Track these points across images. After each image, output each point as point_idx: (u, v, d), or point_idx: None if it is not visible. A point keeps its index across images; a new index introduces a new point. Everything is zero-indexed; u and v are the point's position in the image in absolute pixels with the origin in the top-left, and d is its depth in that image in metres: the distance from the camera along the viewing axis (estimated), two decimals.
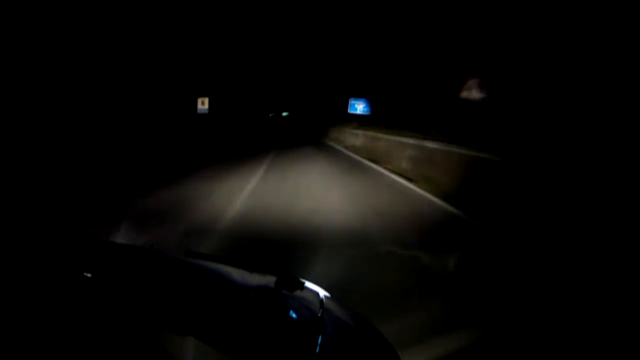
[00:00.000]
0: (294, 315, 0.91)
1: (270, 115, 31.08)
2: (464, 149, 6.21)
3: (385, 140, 10.42)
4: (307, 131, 24.34)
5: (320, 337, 0.80)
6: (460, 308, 2.18)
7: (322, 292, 1.03)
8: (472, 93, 10.84)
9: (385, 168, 8.49)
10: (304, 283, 1.01)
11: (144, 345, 0.74)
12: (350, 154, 11.91)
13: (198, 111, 21.72)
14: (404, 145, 8.64)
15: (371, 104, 19.51)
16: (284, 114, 32.04)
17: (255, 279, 1.03)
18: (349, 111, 19.89)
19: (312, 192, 5.62)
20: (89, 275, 0.92)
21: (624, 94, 6.03)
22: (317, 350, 0.76)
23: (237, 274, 1.05)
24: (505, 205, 4.42)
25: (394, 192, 5.99)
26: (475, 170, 5.56)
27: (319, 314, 0.91)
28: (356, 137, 14.04)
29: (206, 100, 21.71)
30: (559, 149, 5.78)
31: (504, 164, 5.01)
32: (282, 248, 3.08)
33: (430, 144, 7.44)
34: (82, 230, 1.26)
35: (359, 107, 19.82)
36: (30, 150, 7.75)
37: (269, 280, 1.00)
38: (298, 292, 0.98)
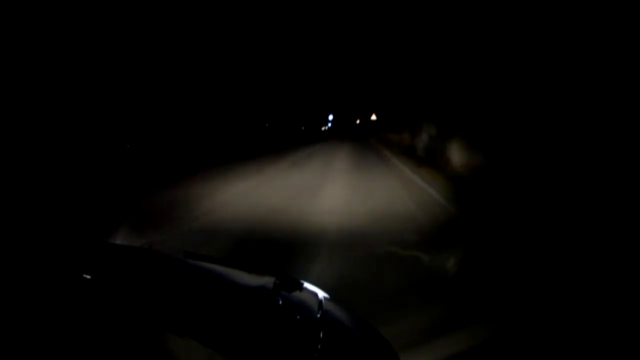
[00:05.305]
0: (292, 317, 0.90)
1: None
2: None
3: None
4: None
5: (319, 338, 0.80)
6: None
7: (321, 293, 1.04)
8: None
9: None
10: (302, 284, 1.02)
11: (143, 347, 0.74)
12: None
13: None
14: None
15: None
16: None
17: (254, 280, 1.03)
18: None
19: None
20: (88, 277, 0.92)
21: None
22: (317, 351, 0.76)
23: (236, 275, 1.05)
24: None
25: None
26: None
27: (318, 315, 0.91)
28: None
29: None
30: None
31: None
32: None
33: None
34: (82, 232, 1.27)
35: None
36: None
37: (268, 281, 1.00)
38: (297, 293, 0.98)
